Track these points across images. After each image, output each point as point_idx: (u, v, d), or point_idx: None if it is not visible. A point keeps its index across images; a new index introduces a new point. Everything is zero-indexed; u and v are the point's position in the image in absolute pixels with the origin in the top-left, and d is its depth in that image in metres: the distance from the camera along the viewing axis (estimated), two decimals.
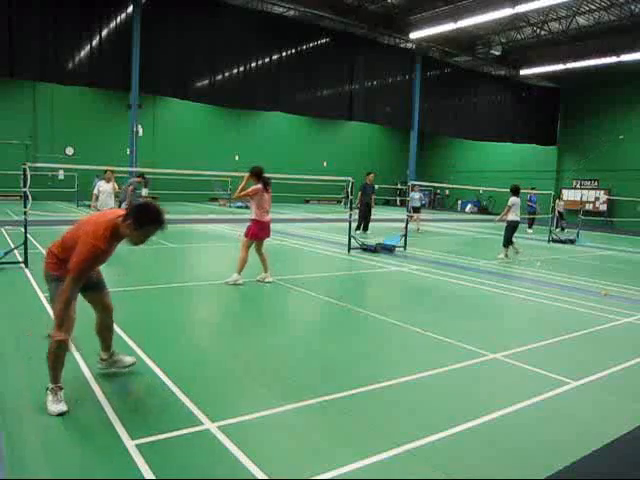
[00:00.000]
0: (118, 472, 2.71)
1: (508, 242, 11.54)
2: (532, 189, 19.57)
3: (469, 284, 8.53)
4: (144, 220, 3.26)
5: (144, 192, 27.12)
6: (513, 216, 11.41)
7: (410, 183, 15.94)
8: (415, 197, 17.96)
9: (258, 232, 7.58)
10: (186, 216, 19.72)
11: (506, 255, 11.58)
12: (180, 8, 17.30)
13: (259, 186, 7.50)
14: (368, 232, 15.49)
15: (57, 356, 3.35)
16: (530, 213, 19.61)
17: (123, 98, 20.42)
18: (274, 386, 3.92)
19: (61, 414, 3.26)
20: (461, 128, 26.17)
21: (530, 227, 20.07)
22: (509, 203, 11.42)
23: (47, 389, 3.36)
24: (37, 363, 4.20)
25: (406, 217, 13.46)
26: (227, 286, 7.64)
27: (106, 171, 11.86)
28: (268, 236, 7.81)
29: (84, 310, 3.91)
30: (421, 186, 19.09)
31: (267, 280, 7.75)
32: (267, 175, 7.64)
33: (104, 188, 11.73)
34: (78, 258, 3.21)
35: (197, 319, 6.00)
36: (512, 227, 11.48)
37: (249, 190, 7.52)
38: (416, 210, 17.84)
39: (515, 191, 11.51)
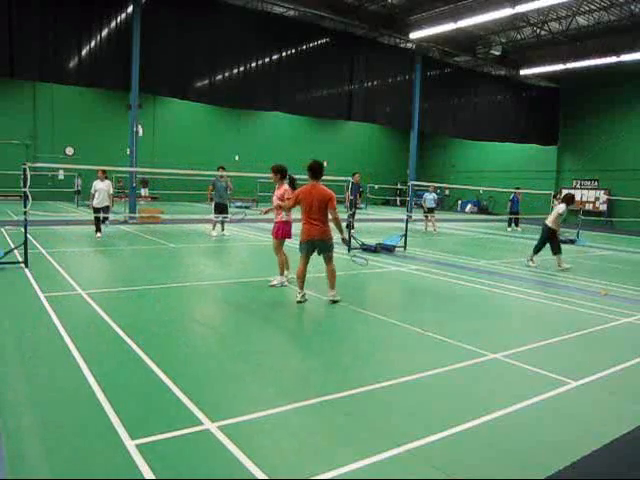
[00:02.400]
0: (118, 472, 2.71)
1: (538, 247, 10.64)
2: (516, 189, 19.86)
3: (469, 284, 8.53)
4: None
5: (143, 192, 27.18)
6: (552, 223, 10.37)
7: (410, 183, 15.96)
8: (429, 197, 18.06)
9: (287, 232, 7.53)
10: (186, 216, 19.72)
11: (559, 263, 10.44)
12: (180, 8, 17.28)
13: (288, 189, 7.44)
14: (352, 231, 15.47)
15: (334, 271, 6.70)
16: (512, 212, 19.97)
17: (123, 98, 20.41)
18: (274, 386, 3.92)
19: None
20: (461, 128, 26.14)
21: (517, 225, 20.43)
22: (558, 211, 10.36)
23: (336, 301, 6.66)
24: (37, 363, 4.21)
25: (406, 218, 13.45)
26: (228, 286, 7.66)
27: (98, 171, 12.27)
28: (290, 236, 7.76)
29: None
30: (422, 186, 19.22)
31: (273, 282, 7.67)
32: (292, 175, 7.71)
33: (100, 187, 12.14)
34: (335, 202, 6.53)
35: (197, 319, 6.00)
36: (547, 233, 10.43)
37: (290, 200, 7.19)
38: (430, 211, 17.96)
39: (566, 200, 10.50)
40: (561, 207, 10.36)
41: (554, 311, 6.93)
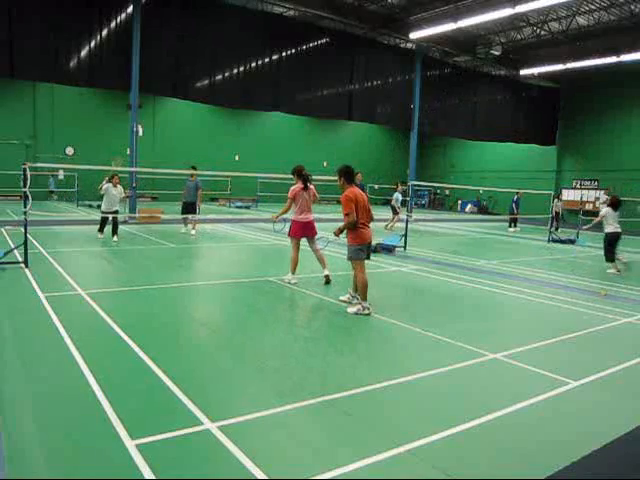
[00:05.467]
0: (118, 472, 2.71)
1: (609, 255, 10.52)
2: (518, 190, 20.23)
3: (469, 284, 8.53)
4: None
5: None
6: (609, 228, 10.44)
7: (410, 183, 15.98)
8: (399, 197, 18.50)
9: (298, 230, 7.69)
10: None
11: (617, 270, 10.43)
12: (180, 8, 17.27)
13: (296, 187, 7.61)
14: None
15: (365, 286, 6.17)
16: (511, 213, 20.30)
17: (123, 98, 20.43)
18: (274, 386, 3.92)
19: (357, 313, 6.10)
20: (461, 128, 26.13)
21: (511, 225, 20.77)
22: (602, 213, 10.65)
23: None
24: (36, 363, 4.21)
25: (406, 218, 13.47)
26: (227, 286, 7.67)
27: (112, 176, 12.06)
28: (312, 234, 7.85)
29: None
30: (422, 186, 19.56)
31: (325, 273, 7.81)
32: (307, 173, 7.77)
33: (114, 193, 11.92)
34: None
35: (197, 319, 6.00)
36: (608, 240, 10.54)
37: (289, 199, 7.63)
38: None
39: (612, 205, 10.57)
40: (603, 210, 10.55)
41: (554, 311, 6.93)
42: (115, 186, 11.99)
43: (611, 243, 10.45)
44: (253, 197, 29.79)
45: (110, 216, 12.05)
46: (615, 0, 19.18)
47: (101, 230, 12.27)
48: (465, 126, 26.06)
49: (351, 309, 6.24)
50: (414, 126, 23.65)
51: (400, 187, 19.17)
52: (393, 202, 18.46)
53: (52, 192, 25.37)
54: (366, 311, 6.10)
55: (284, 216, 7.86)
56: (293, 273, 7.76)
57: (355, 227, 6.18)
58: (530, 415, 3.63)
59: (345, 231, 6.28)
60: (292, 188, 7.65)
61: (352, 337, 5.48)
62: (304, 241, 7.84)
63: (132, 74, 16.26)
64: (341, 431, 3.27)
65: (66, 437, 3.06)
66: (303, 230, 7.74)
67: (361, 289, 6.21)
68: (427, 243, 14.80)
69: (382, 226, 17.65)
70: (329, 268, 7.92)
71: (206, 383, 3.99)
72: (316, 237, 7.91)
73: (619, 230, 10.46)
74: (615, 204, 10.52)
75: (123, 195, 12.42)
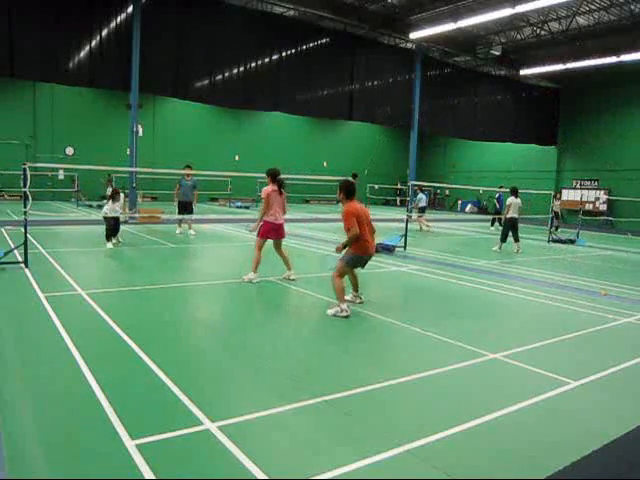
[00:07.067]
0: (118, 472, 2.71)
1: (504, 237, 13.37)
2: (500, 187, 20.38)
3: (469, 284, 8.53)
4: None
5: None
6: (509, 214, 13.11)
7: (411, 183, 15.97)
8: (423, 197, 18.72)
9: (268, 232, 7.72)
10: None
11: (499, 248, 13.33)
12: (180, 8, 17.27)
13: (268, 189, 7.61)
14: None
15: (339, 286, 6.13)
16: (497, 212, 20.32)
17: (123, 98, 20.42)
18: (274, 386, 3.92)
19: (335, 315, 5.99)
20: (461, 128, 26.14)
21: (493, 224, 20.65)
22: (507, 202, 13.25)
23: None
24: (37, 363, 4.21)
25: (406, 218, 13.47)
26: (227, 286, 7.67)
27: (113, 191, 11.55)
28: (281, 237, 7.92)
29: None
30: (423, 186, 19.79)
31: (291, 277, 7.87)
32: (282, 177, 7.80)
33: (116, 208, 11.32)
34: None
35: (197, 319, 6.00)
36: (509, 224, 13.19)
37: (264, 200, 7.63)
38: (422, 210, 18.53)
39: (513, 192, 13.12)
40: (509, 199, 13.20)
41: (554, 311, 6.93)
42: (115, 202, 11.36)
43: (509, 227, 13.19)
44: (253, 197, 29.77)
45: (113, 220, 11.35)
46: (615, 0, 19.18)
47: (109, 239, 11.34)
48: (465, 126, 26.07)
49: (330, 310, 6.15)
50: (414, 126, 23.65)
51: (419, 188, 19.54)
52: (422, 204, 18.73)
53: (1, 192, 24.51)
54: (344, 313, 6.01)
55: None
56: (255, 272, 7.72)
57: (359, 240, 6.12)
58: (530, 415, 3.63)
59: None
60: (265, 189, 7.64)
61: (352, 337, 5.48)
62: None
63: (132, 74, 16.26)
64: (341, 431, 3.27)
65: (66, 437, 3.06)
66: (273, 232, 7.76)
67: (338, 293, 6.13)
68: (427, 243, 14.80)
69: (392, 228, 17.64)
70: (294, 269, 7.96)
71: (206, 383, 3.99)
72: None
73: (516, 216, 13.07)
74: (515, 192, 13.10)
75: (124, 208, 12.11)
